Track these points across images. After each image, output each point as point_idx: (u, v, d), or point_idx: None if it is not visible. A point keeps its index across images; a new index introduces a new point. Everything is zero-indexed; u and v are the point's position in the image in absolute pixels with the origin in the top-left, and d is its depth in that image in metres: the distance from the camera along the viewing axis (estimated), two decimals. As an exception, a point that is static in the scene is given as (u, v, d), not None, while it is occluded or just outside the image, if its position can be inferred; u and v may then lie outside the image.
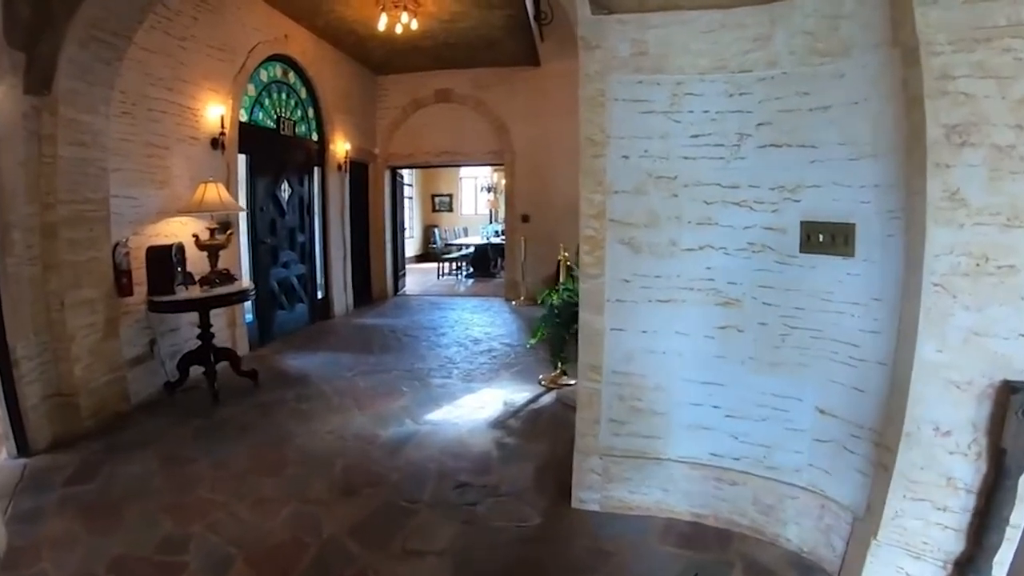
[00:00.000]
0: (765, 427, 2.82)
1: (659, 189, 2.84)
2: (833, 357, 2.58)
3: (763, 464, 2.84)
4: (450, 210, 16.95)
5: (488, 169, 15.91)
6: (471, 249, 13.45)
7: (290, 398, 4.65)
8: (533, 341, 5.05)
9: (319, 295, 7.82)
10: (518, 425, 4.19)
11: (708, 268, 2.84)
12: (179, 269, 4.53)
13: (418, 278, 12.20)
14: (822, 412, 2.65)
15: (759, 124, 2.68)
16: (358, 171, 8.96)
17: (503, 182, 16.31)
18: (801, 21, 2.52)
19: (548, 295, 4.93)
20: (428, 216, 15.98)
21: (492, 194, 16.14)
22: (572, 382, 5.02)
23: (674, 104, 2.78)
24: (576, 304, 4.57)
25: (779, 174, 2.66)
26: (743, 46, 2.66)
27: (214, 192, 4.66)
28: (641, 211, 2.87)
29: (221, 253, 4.87)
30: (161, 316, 4.62)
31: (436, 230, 13.69)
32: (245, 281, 5.20)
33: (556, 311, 4.67)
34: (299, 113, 7.19)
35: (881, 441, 2.39)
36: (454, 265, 12.93)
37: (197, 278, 4.70)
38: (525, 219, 9.56)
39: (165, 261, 4.38)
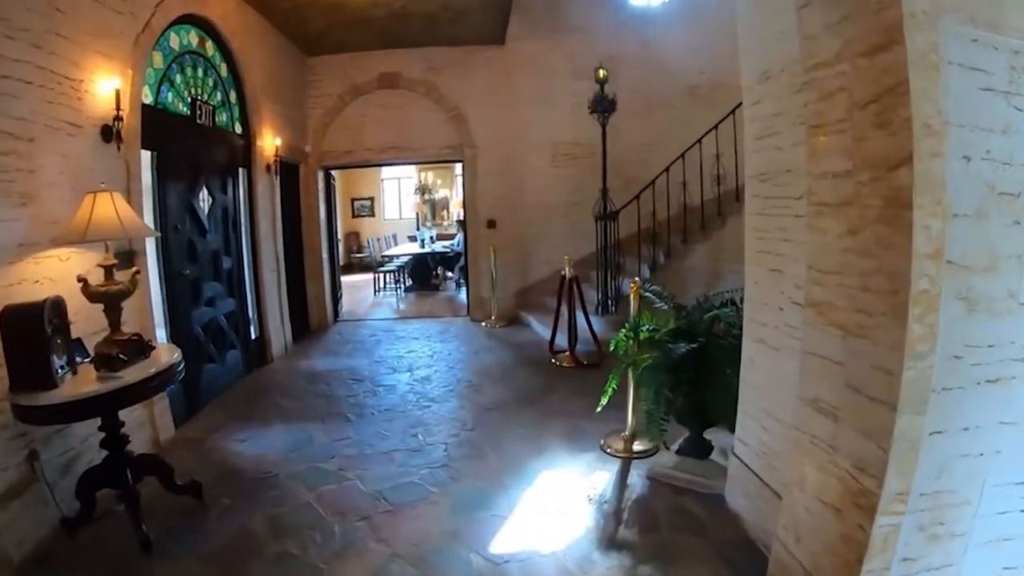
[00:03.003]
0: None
1: (1000, 212, 1.73)
2: None
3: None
4: (372, 215, 15.12)
5: (413, 168, 14.35)
6: (406, 259, 11.79)
7: (261, 529, 2.98)
8: (604, 402, 3.70)
9: (253, 336, 6.00)
10: (638, 538, 2.82)
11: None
12: (59, 340, 2.76)
13: (352, 295, 10.38)
14: None
15: None
16: (287, 173, 7.15)
17: (438, 181, 14.80)
18: None
19: (625, 337, 3.58)
20: (348, 222, 14.09)
21: (421, 196, 14.52)
22: (642, 447, 3.75)
23: (1013, 81, 1.69)
24: (688, 353, 3.30)
25: None
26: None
27: (108, 207, 2.91)
28: (979, 246, 1.73)
29: (125, 303, 3.12)
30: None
31: (371, 240, 11.90)
32: (163, 348, 3.37)
33: (658, 362, 3.32)
34: (219, 97, 5.36)
35: None
36: (392, 278, 11.23)
37: (92, 352, 2.95)
38: (491, 225, 8.12)
39: (34, 330, 2.59)
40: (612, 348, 3.59)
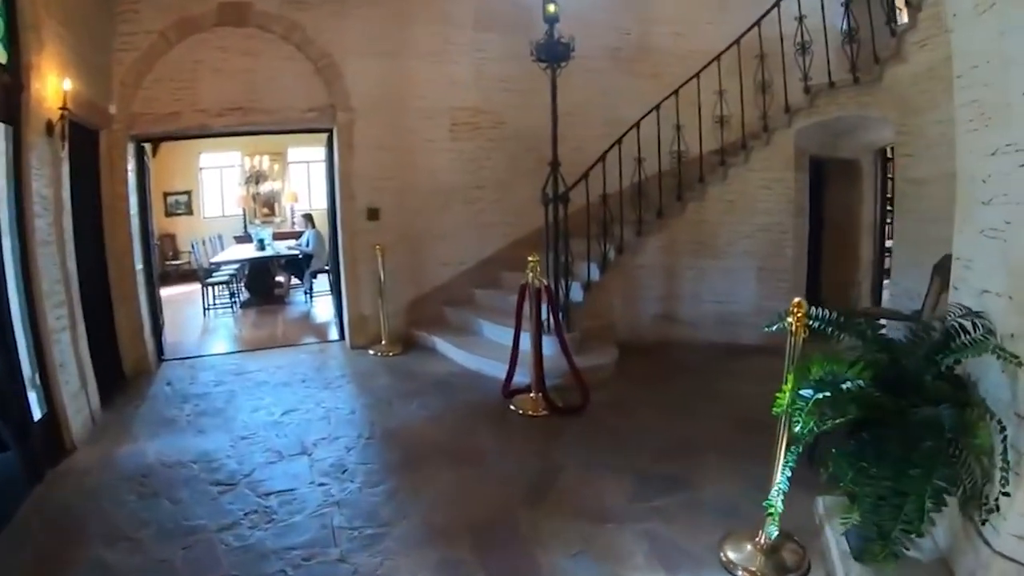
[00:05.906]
0: None
1: None
2: None
3: None
4: (189, 213, 12.00)
5: (238, 155, 11.72)
6: (237, 266, 9.27)
7: None
8: (776, 519, 2.22)
9: (34, 414, 3.53)
10: None
11: None
12: None
13: (174, 317, 7.52)
14: None
15: None
16: (82, 142, 4.63)
17: (275, 167, 12.11)
18: None
19: (802, 400, 2.07)
20: (161, 222, 10.81)
21: (255, 185, 11.83)
22: (793, 559, 2.43)
23: None
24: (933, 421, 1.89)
25: None
26: None
27: None
28: None
29: None
30: None
31: (195, 243, 8.99)
32: None
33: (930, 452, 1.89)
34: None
35: None
36: (226, 291, 8.67)
37: None
38: (373, 215, 6.17)
39: None
40: (801, 428, 2.03)
